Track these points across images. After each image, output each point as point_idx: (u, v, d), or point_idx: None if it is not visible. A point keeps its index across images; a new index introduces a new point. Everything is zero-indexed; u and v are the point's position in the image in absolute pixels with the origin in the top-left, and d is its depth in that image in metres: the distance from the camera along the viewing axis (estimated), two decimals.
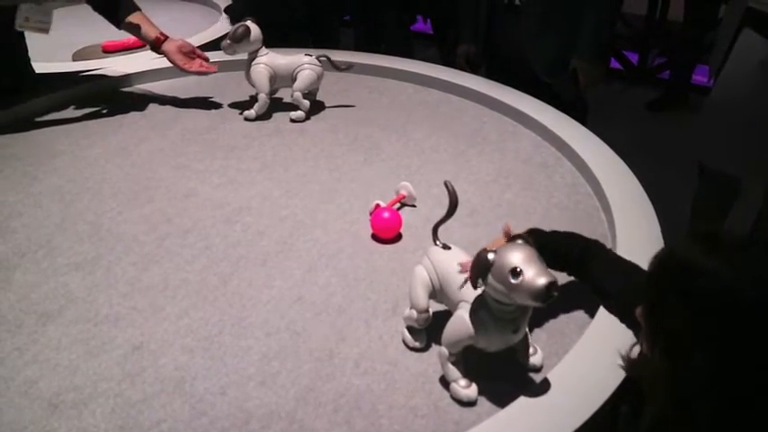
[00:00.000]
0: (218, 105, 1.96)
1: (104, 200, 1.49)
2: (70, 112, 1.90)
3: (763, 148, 1.86)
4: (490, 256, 0.86)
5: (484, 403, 0.97)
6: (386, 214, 1.34)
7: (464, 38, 2.30)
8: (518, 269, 0.83)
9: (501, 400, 0.95)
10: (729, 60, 1.93)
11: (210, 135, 1.79)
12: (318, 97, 1.92)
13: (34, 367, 1.05)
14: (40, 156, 1.68)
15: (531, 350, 1.00)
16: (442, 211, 1.06)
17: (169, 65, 1.91)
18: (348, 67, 1.87)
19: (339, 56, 2.11)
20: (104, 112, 1.91)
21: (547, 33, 2.05)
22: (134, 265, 1.28)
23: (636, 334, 0.96)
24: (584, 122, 1.74)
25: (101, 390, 1.01)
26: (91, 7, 1.90)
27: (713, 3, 3.45)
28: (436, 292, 1.02)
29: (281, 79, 1.83)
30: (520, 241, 0.91)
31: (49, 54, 2.24)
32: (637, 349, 0.88)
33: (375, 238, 1.35)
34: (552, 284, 0.82)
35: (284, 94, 1.91)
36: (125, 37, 2.27)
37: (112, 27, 1.91)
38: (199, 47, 1.95)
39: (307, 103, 1.84)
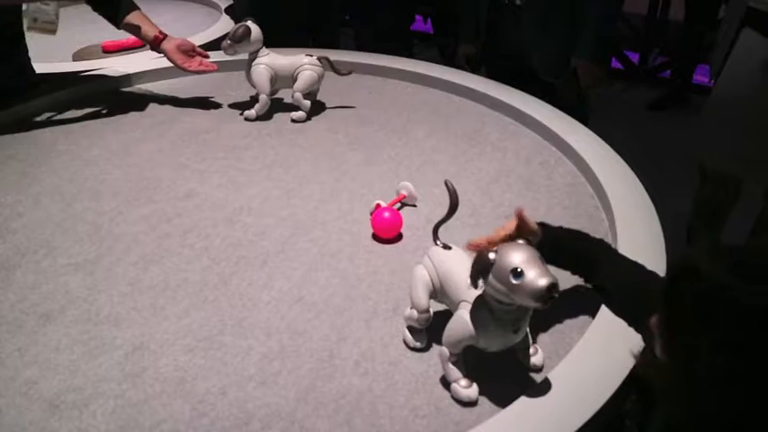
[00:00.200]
0: (218, 105, 1.96)
1: (104, 200, 1.49)
2: (70, 113, 1.90)
3: (764, 148, 1.86)
4: (491, 255, 0.86)
5: (485, 403, 0.96)
6: (386, 214, 1.34)
7: (464, 37, 2.30)
8: (519, 269, 0.83)
9: (502, 400, 0.94)
10: (730, 60, 1.93)
11: (211, 135, 1.79)
12: (319, 97, 1.91)
13: (34, 368, 1.05)
14: (39, 156, 1.68)
15: (531, 350, 1.00)
16: (443, 211, 1.06)
17: (169, 65, 1.91)
18: (348, 73, 1.87)
19: (339, 56, 2.11)
20: (104, 112, 1.91)
21: (548, 33, 2.05)
22: (134, 265, 1.28)
23: (646, 340, 0.94)
24: (585, 122, 1.74)
25: (101, 390, 1.00)
26: (91, 7, 1.90)
27: (714, 2, 3.45)
28: (437, 292, 1.02)
29: (281, 80, 1.83)
30: (521, 241, 0.90)
31: (49, 54, 2.24)
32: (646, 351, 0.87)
33: (376, 238, 1.35)
34: (553, 286, 0.82)
35: (285, 95, 1.91)
36: (125, 37, 2.27)
37: (112, 27, 1.91)
38: (199, 47, 1.95)
39: (307, 103, 1.84)
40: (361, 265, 1.27)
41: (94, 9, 1.90)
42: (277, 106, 1.90)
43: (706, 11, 3.56)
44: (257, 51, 1.80)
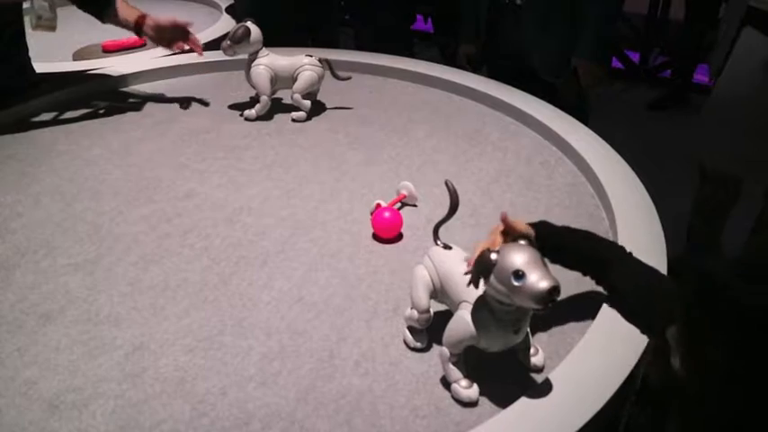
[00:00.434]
0: (218, 105, 1.95)
1: (104, 200, 1.49)
2: (70, 112, 1.90)
3: (764, 147, 1.86)
4: (493, 256, 0.86)
5: (485, 404, 0.96)
6: (387, 214, 1.34)
7: (465, 37, 2.30)
8: (521, 271, 0.83)
9: (502, 400, 0.94)
10: (731, 59, 1.93)
11: (211, 135, 1.79)
12: (319, 97, 1.91)
13: (34, 368, 1.05)
14: (39, 155, 1.68)
15: (532, 350, 1.00)
16: (443, 211, 1.06)
17: (169, 64, 1.91)
18: (347, 78, 1.87)
19: (339, 56, 2.11)
20: (104, 111, 1.90)
21: (548, 32, 2.05)
22: (134, 265, 1.28)
23: (662, 350, 0.94)
24: (585, 122, 1.74)
25: (101, 390, 1.00)
26: (76, 6, 1.89)
27: (714, 2, 3.45)
28: (437, 292, 1.02)
29: (281, 80, 1.83)
30: (523, 242, 0.90)
31: (49, 54, 2.24)
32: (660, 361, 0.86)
33: (376, 237, 1.35)
34: (554, 289, 0.82)
35: (284, 95, 1.91)
36: (125, 37, 2.27)
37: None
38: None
39: (307, 103, 1.84)
40: (362, 265, 1.27)
41: (80, 7, 1.89)
42: (277, 106, 1.90)
43: (706, 10, 3.56)
44: (257, 52, 1.80)
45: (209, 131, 1.80)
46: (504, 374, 0.99)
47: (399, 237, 1.35)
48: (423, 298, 1.02)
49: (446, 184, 1.04)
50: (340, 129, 1.81)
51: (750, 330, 0.70)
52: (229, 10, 2.78)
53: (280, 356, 1.06)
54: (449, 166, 1.62)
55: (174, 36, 1.90)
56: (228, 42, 1.77)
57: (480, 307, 0.91)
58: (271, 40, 1.83)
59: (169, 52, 1.88)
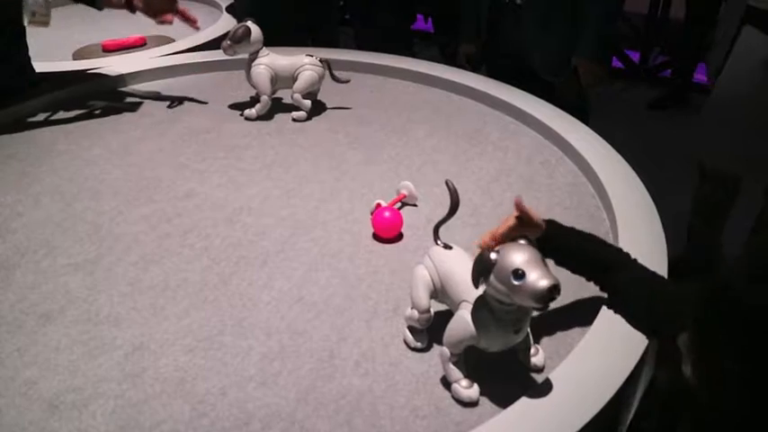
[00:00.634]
0: (218, 105, 1.95)
1: (104, 200, 1.49)
2: (70, 112, 1.90)
3: (764, 146, 1.86)
4: (493, 255, 0.86)
5: (485, 404, 0.96)
6: (387, 214, 1.34)
7: (465, 36, 2.29)
8: (520, 271, 0.83)
9: (503, 400, 0.94)
10: (731, 58, 1.93)
11: (211, 135, 1.79)
12: (319, 97, 1.91)
13: (34, 368, 1.04)
14: (39, 155, 1.68)
15: (532, 350, 1.00)
16: (444, 211, 1.05)
17: (169, 64, 1.91)
18: (346, 81, 1.87)
19: (339, 55, 2.11)
20: (104, 111, 1.90)
21: (548, 32, 2.05)
22: (134, 265, 1.28)
23: (671, 356, 0.93)
24: (585, 121, 1.74)
25: (101, 390, 1.00)
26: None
27: (714, 1, 3.45)
28: (437, 292, 1.02)
29: (281, 80, 1.82)
30: (523, 241, 0.90)
31: (49, 53, 2.24)
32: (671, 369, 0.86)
33: (376, 237, 1.35)
34: (555, 288, 0.82)
35: (285, 95, 1.90)
36: (125, 36, 2.27)
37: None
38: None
39: (308, 103, 1.84)
40: (362, 265, 1.27)
41: (75, 1, 1.88)
42: (277, 106, 1.90)
43: (706, 10, 3.56)
44: (257, 52, 1.80)
45: (209, 131, 1.80)
46: (505, 374, 0.99)
47: (399, 236, 1.35)
48: (423, 298, 1.02)
49: (446, 183, 1.04)
50: (340, 128, 1.81)
51: (754, 332, 0.70)
52: (230, 9, 2.78)
53: (280, 356, 1.06)
54: (449, 165, 1.62)
55: (161, 6, 1.88)
56: (229, 42, 1.77)
57: (480, 307, 0.91)
58: (271, 40, 1.83)
59: (164, 40, 1.86)
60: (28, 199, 1.49)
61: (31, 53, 1.93)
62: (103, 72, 2.08)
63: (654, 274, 1.02)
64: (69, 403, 0.98)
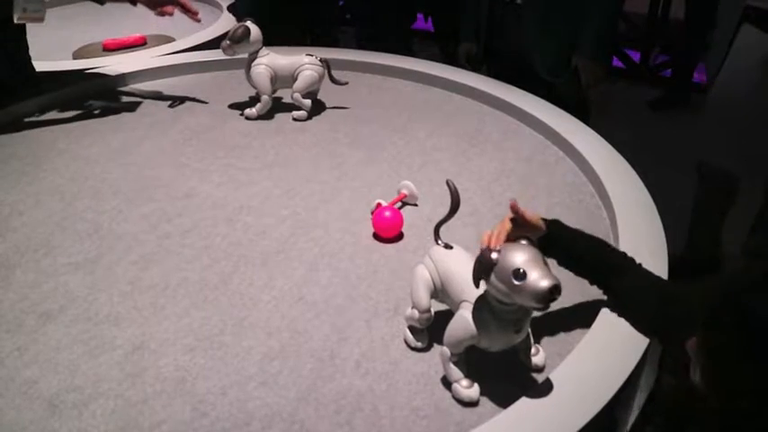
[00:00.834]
0: (218, 105, 1.95)
1: (104, 199, 1.49)
2: (71, 111, 1.90)
3: (763, 146, 1.85)
4: (494, 255, 0.86)
5: (486, 404, 0.96)
6: (387, 213, 1.34)
7: (465, 36, 2.29)
8: (521, 270, 0.83)
9: (503, 400, 0.94)
10: (729, 56, 1.93)
11: (211, 134, 1.78)
12: (319, 96, 1.91)
13: (34, 367, 1.04)
14: (39, 155, 1.68)
15: (533, 350, 1.00)
16: (444, 211, 1.05)
17: (169, 63, 1.90)
18: (345, 83, 1.86)
19: (339, 55, 2.11)
20: (104, 111, 1.90)
21: (548, 31, 2.05)
22: (134, 264, 1.28)
23: (678, 361, 0.93)
24: (585, 121, 1.74)
25: (101, 390, 1.00)
26: None
27: (714, 1, 3.45)
28: (438, 292, 1.02)
29: (281, 80, 1.82)
30: (524, 241, 0.90)
31: (50, 53, 2.24)
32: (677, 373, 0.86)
33: (376, 237, 1.34)
34: (555, 288, 0.82)
35: (285, 94, 1.90)
36: (125, 35, 2.27)
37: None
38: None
39: (308, 102, 1.83)
40: (362, 265, 1.27)
41: None
42: (278, 106, 1.89)
43: (707, 10, 3.55)
44: (257, 51, 1.80)
45: (209, 131, 1.80)
46: (505, 374, 0.99)
47: (400, 236, 1.35)
48: (423, 297, 1.02)
49: (447, 183, 1.04)
50: (340, 128, 1.81)
51: (756, 333, 0.70)
52: (231, 8, 2.77)
53: (280, 356, 1.06)
54: (449, 165, 1.62)
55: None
56: (228, 42, 1.77)
57: (481, 307, 0.91)
58: (271, 40, 1.83)
59: (165, 38, 1.85)
60: (28, 198, 1.49)
61: (31, 52, 1.93)
62: (104, 71, 2.08)
63: (659, 278, 1.02)
64: (69, 403, 0.98)
